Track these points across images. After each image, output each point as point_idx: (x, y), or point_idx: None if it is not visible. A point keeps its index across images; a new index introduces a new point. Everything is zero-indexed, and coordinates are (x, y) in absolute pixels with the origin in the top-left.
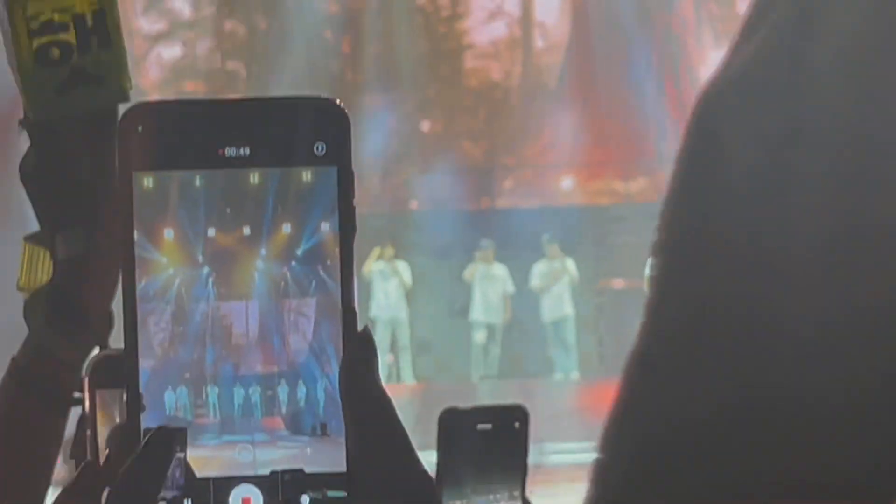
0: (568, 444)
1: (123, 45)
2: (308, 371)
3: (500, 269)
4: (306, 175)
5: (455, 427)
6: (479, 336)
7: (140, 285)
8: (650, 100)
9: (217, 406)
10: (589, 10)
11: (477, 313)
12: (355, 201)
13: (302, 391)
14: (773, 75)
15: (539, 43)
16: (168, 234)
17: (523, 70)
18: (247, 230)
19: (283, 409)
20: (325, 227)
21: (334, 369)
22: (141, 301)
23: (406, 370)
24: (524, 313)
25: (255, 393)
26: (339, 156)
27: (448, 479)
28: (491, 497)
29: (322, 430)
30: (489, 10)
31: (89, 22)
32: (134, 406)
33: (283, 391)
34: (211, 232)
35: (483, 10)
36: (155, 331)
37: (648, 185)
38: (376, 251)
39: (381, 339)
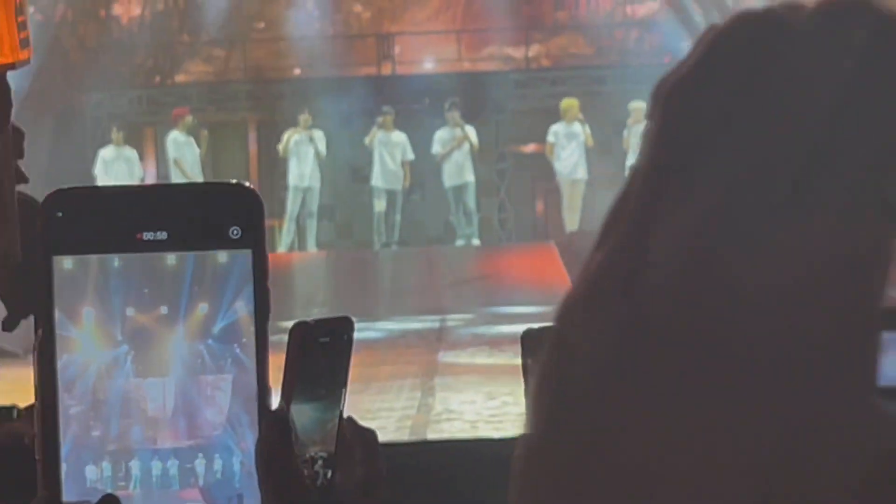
0: (467, 316)
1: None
2: (224, 445)
3: (399, 136)
4: (222, 257)
5: (303, 339)
6: (379, 203)
7: (60, 362)
8: None
9: (137, 479)
10: None
11: (377, 180)
12: (269, 283)
13: (219, 464)
14: None
15: None
16: (88, 314)
17: None
18: (164, 309)
19: (201, 482)
20: (240, 306)
21: (250, 443)
22: (61, 378)
23: (310, 238)
24: (426, 179)
25: (174, 466)
26: (253, 239)
27: (292, 389)
28: (315, 405)
29: (238, 502)
30: None
31: None
32: (53, 480)
33: (200, 464)
34: (129, 311)
35: None
36: (75, 407)
37: (542, 51)
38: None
39: (291, 207)
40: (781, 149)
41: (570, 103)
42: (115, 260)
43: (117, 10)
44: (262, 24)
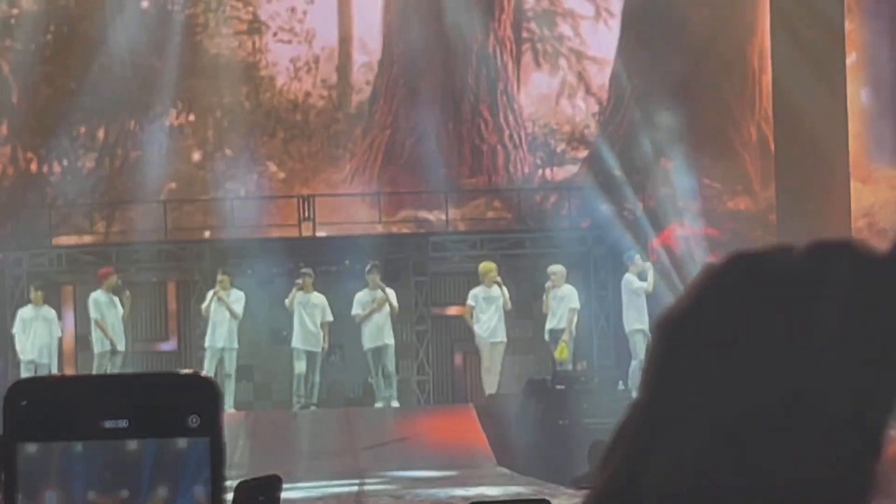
0: (385, 478)
1: None
2: None
3: (318, 298)
4: (181, 444)
5: (247, 499)
6: (299, 364)
7: None
8: (465, 125)
9: None
10: (400, 33)
11: (296, 341)
12: (226, 470)
13: None
14: None
15: (355, 61)
16: (50, 498)
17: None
18: (125, 493)
19: None
20: (198, 490)
21: None
22: None
23: (228, 398)
24: (345, 341)
25: None
26: (212, 427)
27: None
28: None
29: None
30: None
31: None
32: None
33: None
34: (91, 495)
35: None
36: None
37: (460, 214)
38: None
39: (208, 368)
40: (772, 383)
41: (488, 267)
42: (78, 445)
43: (47, 167)
44: (173, 185)
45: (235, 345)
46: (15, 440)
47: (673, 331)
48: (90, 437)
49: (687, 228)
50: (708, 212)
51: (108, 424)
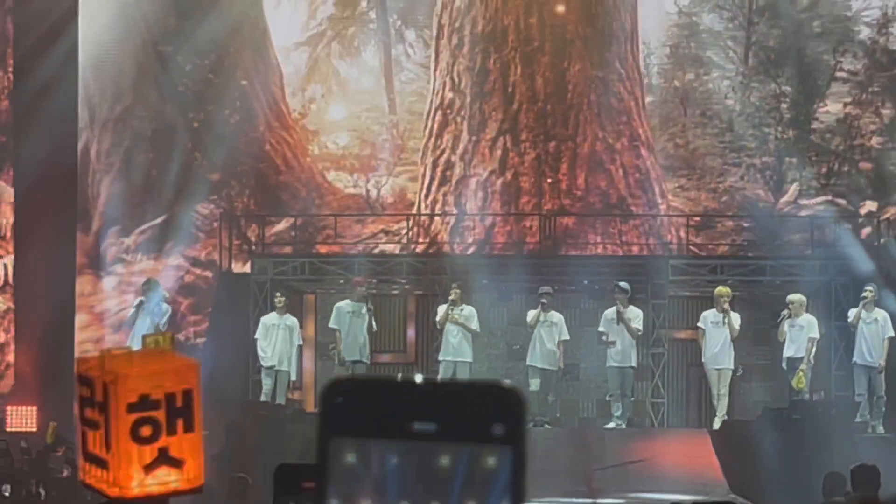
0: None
1: (202, 430)
2: None
3: (556, 317)
4: (489, 454)
5: None
6: (534, 382)
7: None
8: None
9: None
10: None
11: (533, 359)
12: (524, 484)
13: None
14: None
15: None
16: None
17: None
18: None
19: None
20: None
21: None
22: None
23: None
24: (580, 360)
25: None
26: (516, 437)
27: None
28: None
29: None
30: None
31: (179, 403)
32: None
33: None
34: None
35: None
36: None
37: (703, 238)
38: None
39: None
40: None
41: (720, 291)
42: (392, 453)
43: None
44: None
45: (468, 358)
46: (331, 434)
47: None
48: (399, 438)
49: None
50: None
51: (417, 427)
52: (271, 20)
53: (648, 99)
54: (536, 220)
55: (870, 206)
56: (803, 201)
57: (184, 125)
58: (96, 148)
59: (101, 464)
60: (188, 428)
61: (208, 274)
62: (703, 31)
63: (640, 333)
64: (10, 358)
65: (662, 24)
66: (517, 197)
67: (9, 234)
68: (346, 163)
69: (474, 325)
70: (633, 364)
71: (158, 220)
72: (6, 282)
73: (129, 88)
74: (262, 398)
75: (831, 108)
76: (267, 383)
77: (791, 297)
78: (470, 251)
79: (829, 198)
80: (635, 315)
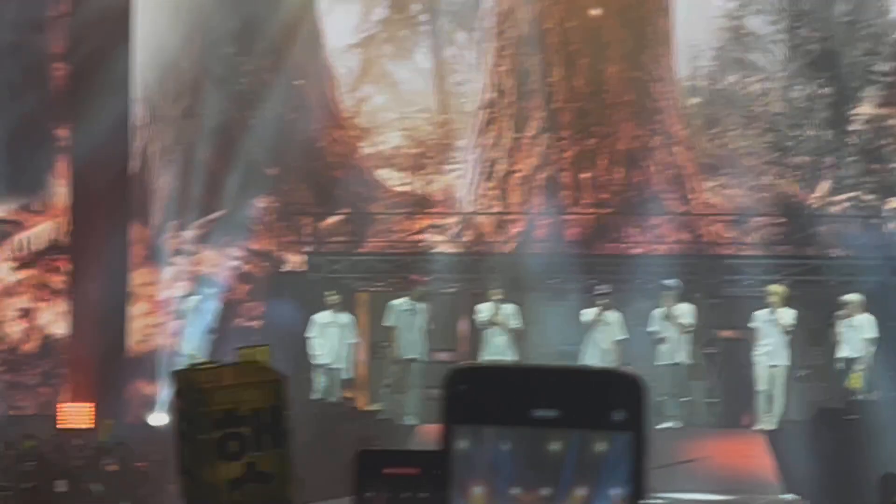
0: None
1: (290, 444)
2: None
3: (612, 316)
4: (604, 441)
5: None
6: None
7: None
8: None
9: None
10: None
11: (588, 358)
12: (646, 470)
13: None
14: None
15: None
16: (477, 490)
17: None
18: (546, 491)
19: None
20: (616, 491)
21: None
22: None
23: None
24: (635, 360)
25: None
26: (637, 423)
27: None
28: None
29: None
30: None
31: (267, 418)
32: None
33: None
34: (514, 491)
35: None
36: None
37: (755, 237)
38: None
39: None
40: None
41: (774, 290)
42: (509, 440)
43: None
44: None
45: (510, 357)
46: (454, 422)
47: None
48: (522, 424)
49: None
50: None
51: (539, 414)
52: (325, 23)
53: (695, 100)
54: (577, 217)
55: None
56: (835, 198)
57: (241, 123)
58: (157, 145)
59: (193, 477)
60: (277, 444)
61: (266, 264)
62: (747, 35)
63: (691, 329)
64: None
65: (708, 27)
66: (557, 192)
67: (64, 235)
68: (397, 161)
69: (515, 323)
70: (686, 360)
71: (217, 215)
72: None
73: (190, 88)
74: (316, 396)
75: (864, 109)
76: (321, 381)
77: (847, 297)
78: (510, 246)
79: (858, 194)
80: (684, 311)
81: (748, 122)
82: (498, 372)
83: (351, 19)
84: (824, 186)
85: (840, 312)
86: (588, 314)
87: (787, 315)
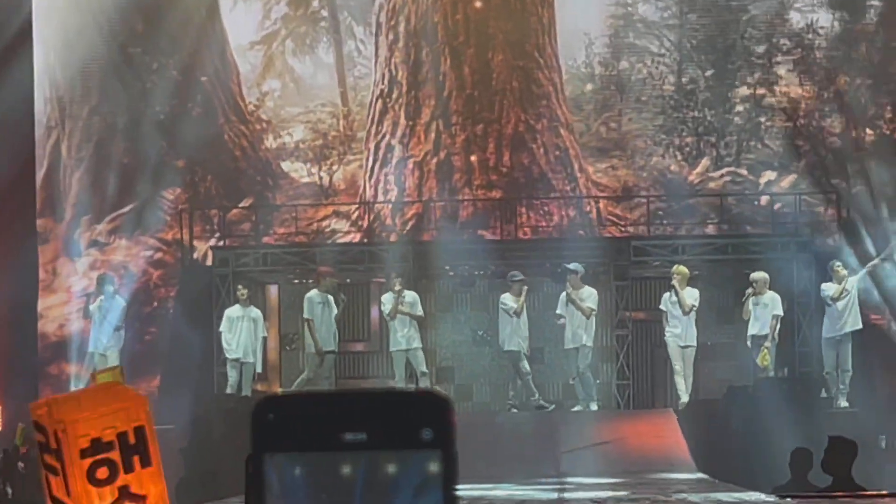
0: (589, 480)
1: (160, 461)
2: None
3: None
4: (419, 459)
5: None
6: (524, 364)
7: None
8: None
9: None
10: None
11: (507, 343)
12: (456, 485)
13: None
14: None
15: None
16: None
17: None
18: None
19: None
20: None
21: None
22: None
23: None
24: (545, 344)
25: None
26: (444, 440)
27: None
28: None
29: None
30: None
31: (132, 439)
32: None
33: None
34: None
35: None
36: None
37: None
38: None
39: (396, 370)
40: None
41: (677, 270)
42: (322, 465)
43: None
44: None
45: (418, 345)
46: (262, 451)
47: None
48: (332, 449)
49: None
50: None
51: (349, 437)
52: (227, 22)
53: (588, 87)
54: (469, 198)
55: (768, 175)
56: (713, 174)
57: (150, 119)
58: (67, 144)
59: None
60: (145, 463)
61: (178, 253)
62: (638, 21)
63: (593, 313)
64: None
65: (600, 15)
66: (450, 175)
67: None
68: (301, 153)
69: (418, 311)
70: (586, 343)
71: (128, 208)
72: None
73: (98, 87)
74: (228, 391)
75: (743, 91)
76: (232, 376)
77: (754, 274)
78: (411, 233)
79: (734, 169)
80: (588, 295)
81: (641, 107)
82: (306, 399)
83: (253, 17)
84: (705, 163)
85: (749, 290)
86: (507, 300)
87: (690, 295)
